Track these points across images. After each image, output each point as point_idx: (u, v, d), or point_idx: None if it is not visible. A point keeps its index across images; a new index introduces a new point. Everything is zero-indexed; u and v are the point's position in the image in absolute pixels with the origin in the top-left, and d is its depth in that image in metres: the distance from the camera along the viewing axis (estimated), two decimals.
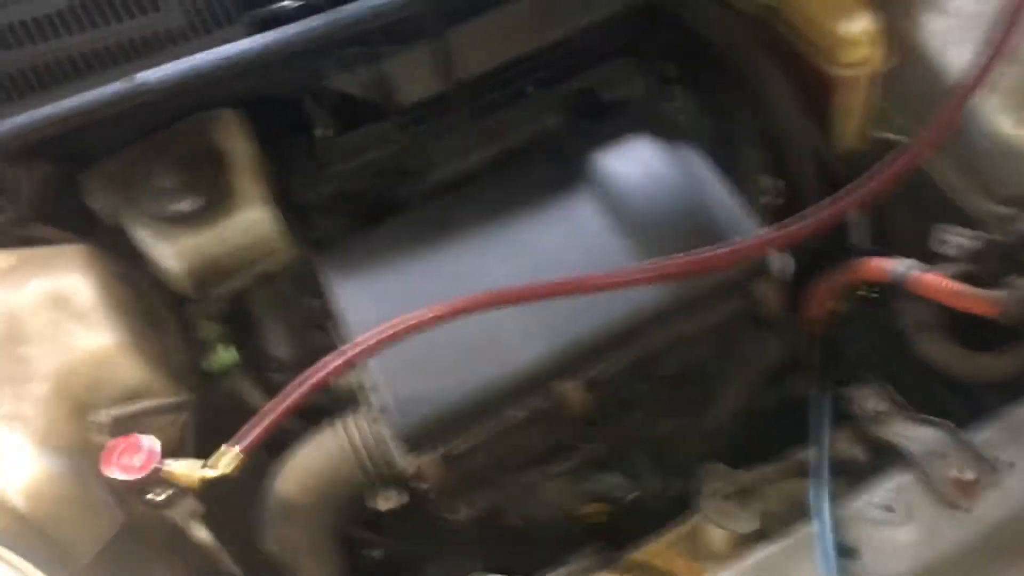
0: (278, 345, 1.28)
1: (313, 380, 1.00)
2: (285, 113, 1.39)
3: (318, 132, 1.41)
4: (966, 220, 1.24)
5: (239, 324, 1.29)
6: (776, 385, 1.30)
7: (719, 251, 1.01)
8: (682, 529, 1.18)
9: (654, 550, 1.17)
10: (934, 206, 1.28)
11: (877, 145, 1.34)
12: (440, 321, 0.97)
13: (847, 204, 1.05)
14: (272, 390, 1.26)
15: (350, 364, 0.99)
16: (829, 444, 1.15)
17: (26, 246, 1.21)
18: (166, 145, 1.22)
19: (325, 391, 1.18)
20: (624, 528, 1.25)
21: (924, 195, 1.30)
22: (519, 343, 1.06)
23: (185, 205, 1.16)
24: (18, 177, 1.24)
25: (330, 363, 1.00)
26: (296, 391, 1.01)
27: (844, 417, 1.17)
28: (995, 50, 1.06)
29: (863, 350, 1.31)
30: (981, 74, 1.06)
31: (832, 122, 1.33)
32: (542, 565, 1.16)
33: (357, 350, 0.99)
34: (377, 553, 1.32)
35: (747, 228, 1.10)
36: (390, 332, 0.97)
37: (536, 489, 1.27)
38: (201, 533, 1.11)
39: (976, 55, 1.07)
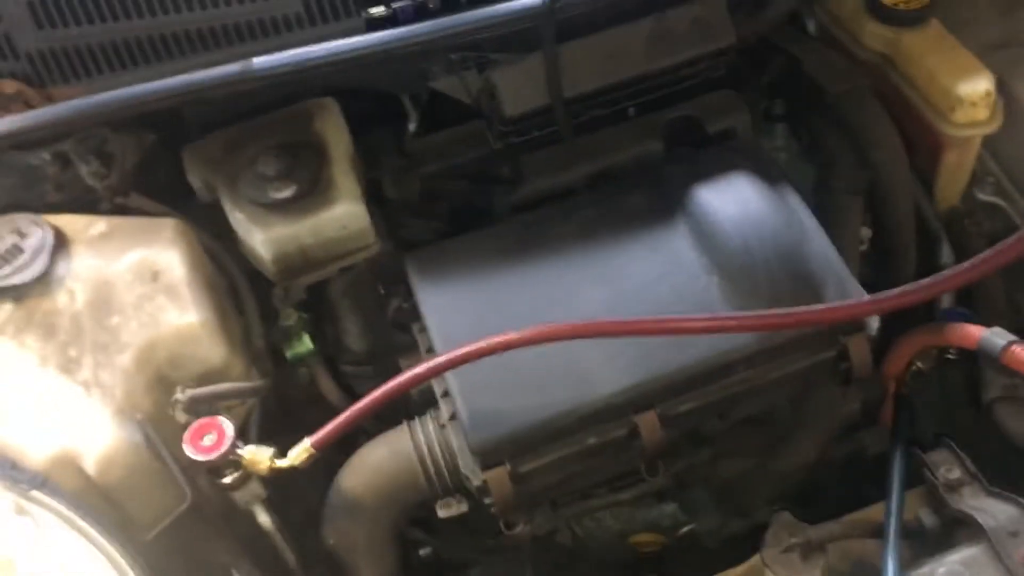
0: (356, 339, 1.29)
1: (393, 386, 1.01)
2: (376, 104, 1.41)
3: (411, 128, 1.42)
4: None
5: (318, 313, 1.30)
6: (848, 439, 1.29)
7: (816, 311, 1.00)
8: (739, 571, 1.17)
9: None
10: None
11: (979, 207, 1.32)
12: (528, 344, 0.97)
13: (960, 279, 1.02)
14: (344, 382, 1.29)
15: (434, 375, 1.00)
16: (903, 508, 1.14)
17: (121, 214, 1.23)
18: (269, 129, 1.24)
19: None
20: (674, 561, 1.25)
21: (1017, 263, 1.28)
22: (601, 371, 1.05)
23: (284, 193, 1.17)
24: (123, 145, 1.26)
25: (413, 373, 1.01)
26: (375, 395, 1.02)
27: (916, 480, 1.15)
28: None
29: (940, 412, 1.29)
30: None
31: (935, 179, 1.31)
32: None
33: (442, 363, 0.99)
34: (425, 552, 1.33)
35: (844, 282, 1.08)
36: (477, 349, 0.98)
37: (594, 512, 1.28)
38: (263, 517, 1.13)
39: None
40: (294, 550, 1.16)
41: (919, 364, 1.26)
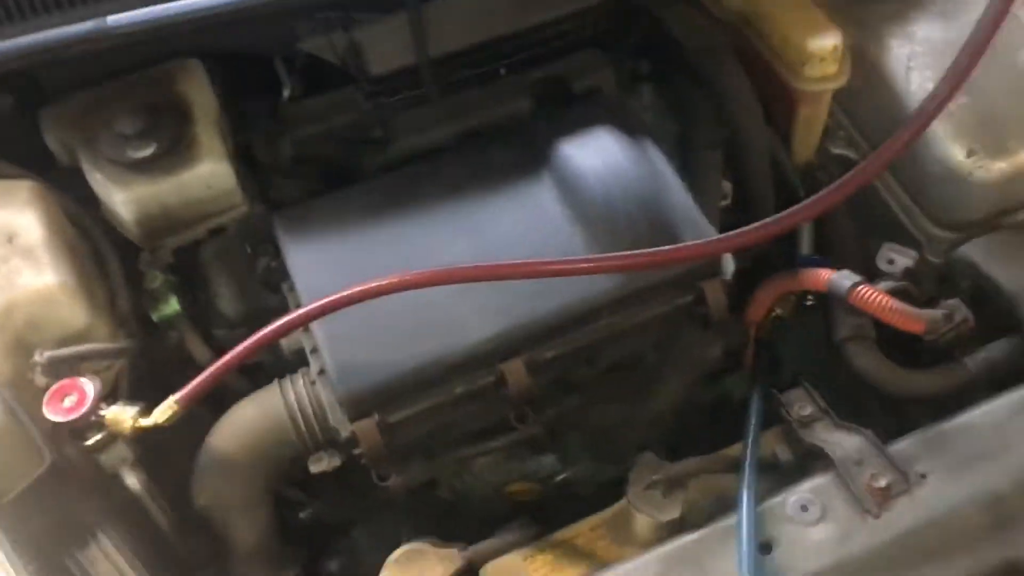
0: (228, 303, 1.27)
1: (255, 339, 1.01)
2: (251, 72, 1.40)
3: (285, 94, 1.42)
4: (910, 240, 1.29)
5: (189, 278, 1.29)
6: (714, 384, 1.34)
7: (671, 250, 1.03)
8: (608, 513, 1.21)
9: (579, 531, 1.20)
10: (881, 224, 1.32)
11: (831, 160, 1.38)
12: (390, 292, 0.99)
13: (799, 217, 1.08)
14: (218, 347, 1.28)
15: (295, 327, 1.00)
16: (758, 444, 1.19)
17: None
18: (130, 90, 1.22)
19: (272, 352, 1.20)
20: (553, 509, 1.28)
21: (873, 212, 1.34)
22: (467, 320, 1.07)
23: (143, 152, 1.15)
24: None
25: (275, 325, 1.01)
26: (239, 349, 1.02)
27: (776, 420, 1.21)
28: (957, 80, 1.10)
29: (800, 357, 1.35)
30: (942, 102, 1.09)
31: (792, 134, 1.36)
32: (469, 538, 1.18)
33: (303, 314, 1.00)
34: (305, 514, 1.33)
35: (701, 228, 1.12)
36: (338, 299, 0.98)
37: (469, 464, 1.30)
38: (131, 480, 1.11)
39: (938, 83, 1.10)
40: (168, 514, 1.15)
41: (778, 311, 1.32)
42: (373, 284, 0.98)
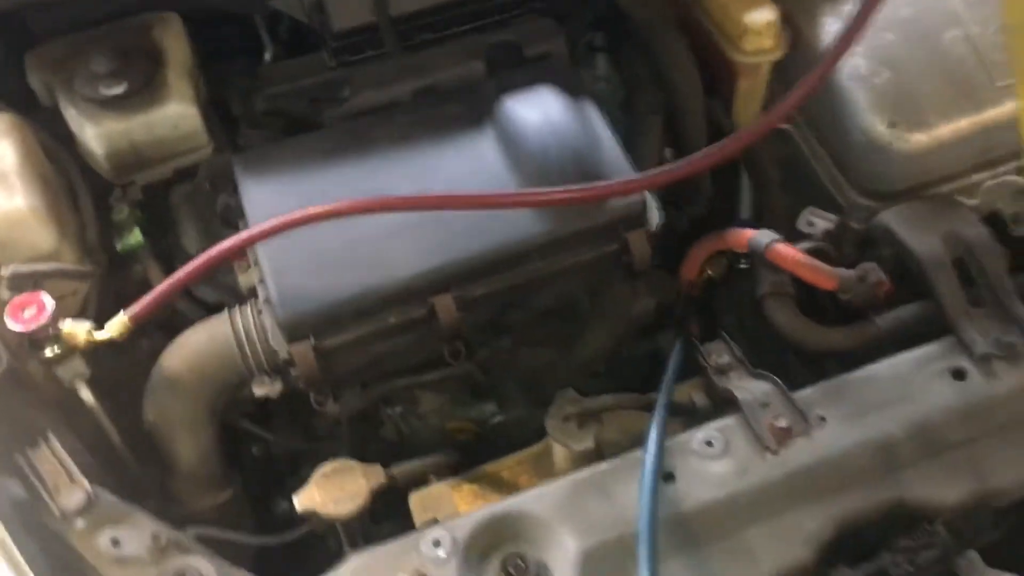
0: (191, 240, 1.36)
1: (202, 260, 1.09)
2: (238, 37, 1.50)
3: (267, 56, 1.52)
4: (836, 209, 1.35)
5: (160, 220, 1.37)
6: (648, 339, 1.41)
7: (587, 188, 1.11)
8: (533, 450, 1.28)
9: (505, 464, 1.28)
10: (812, 194, 1.39)
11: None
12: (327, 217, 1.07)
13: (708, 160, 1.15)
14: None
15: (239, 248, 1.09)
16: (679, 392, 1.26)
17: None
18: (108, 36, 1.31)
19: (231, 292, 1.28)
20: (488, 451, 1.36)
21: (804, 183, 1.41)
22: (402, 256, 1.15)
23: (115, 90, 1.24)
24: None
25: (220, 247, 1.09)
26: (187, 268, 1.10)
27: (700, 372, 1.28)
28: (856, 27, 1.15)
29: (733, 315, 1.42)
30: (841, 49, 1.15)
31: (733, 105, 1.44)
32: None
33: (246, 236, 1.08)
34: (256, 449, 1.41)
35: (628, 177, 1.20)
36: (278, 224, 1.07)
37: (415, 406, 1.38)
38: (85, 394, 1.19)
39: (840, 30, 1.16)
40: (121, 433, 1.23)
41: (710, 272, 1.39)
42: (312, 210, 1.07)
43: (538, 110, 1.22)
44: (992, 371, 1.17)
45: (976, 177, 1.32)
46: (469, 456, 1.33)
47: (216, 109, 1.42)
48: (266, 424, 1.39)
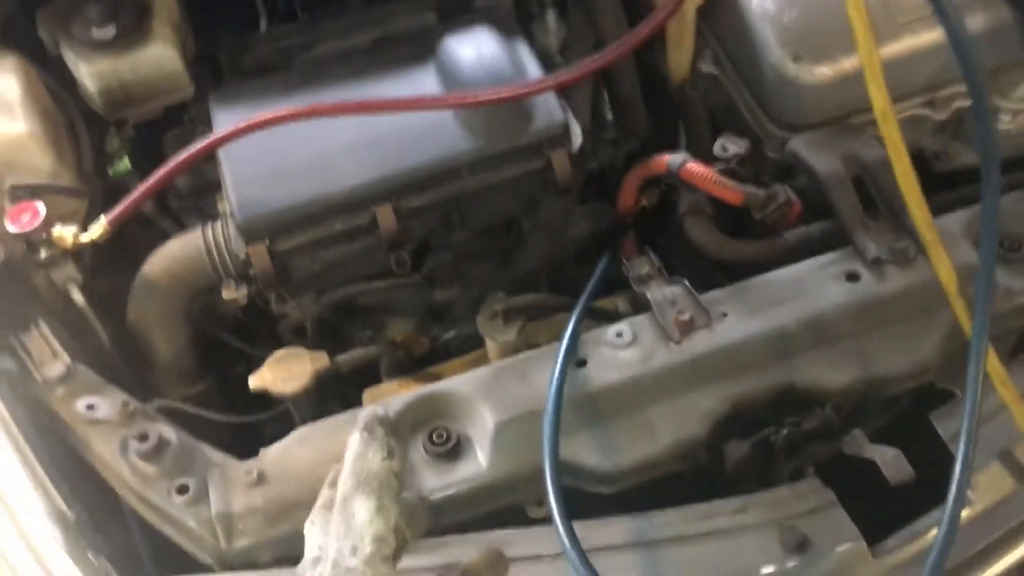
0: (179, 176, 1.53)
1: (171, 166, 1.26)
2: (241, 10, 1.68)
3: (263, 25, 1.70)
4: (756, 140, 1.48)
5: (152, 157, 1.54)
6: (588, 264, 1.54)
7: (495, 90, 1.27)
8: (475, 354, 1.42)
9: (449, 366, 1.42)
10: (736, 128, 1.51)
11: (702, 78, 1.58)
12: (272, 124, 1.23)
13: (597, 63, 1.32)
14: (171, 213, 1.53)
15: (199, 156, 1.25)
16: (607, 302, 1.39)
17: None
18: None
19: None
20: (436, 360, 1.49)
21: (733, 122, 1.54)
22: (349, 169, 1.30)
23: (105, 33, 1.42)
24: None
25: (185, 153, 1.25)
26: (159, 173, 1.27)
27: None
28: None
29: (668, 238, 1.54)
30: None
31: (667, 55, 1.57)
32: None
33: (207, 141, 1.24)
34: (241, 368, 1.57)
35: (549, 100, 1.34)
36: (233, 129, 1.23)
37: (374, 322, 1.52)
38: (76, 296, 1.36)
39: None
40: (110, 331, 1.40)
41: (644, 201, 1.52)
42: (258, 117, 1.23)
43: (472, 46, 1.38)
44: (883, 274, 1.28)
45: None
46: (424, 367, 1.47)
47: (208, 65, 1.60)
48: (248, 342, 1.55)
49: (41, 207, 1.29)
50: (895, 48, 1.41)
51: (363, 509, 0.89)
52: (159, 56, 1.44)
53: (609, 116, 1.62)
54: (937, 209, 1.31)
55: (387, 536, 0.89)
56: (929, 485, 1.09)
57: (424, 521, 1.00)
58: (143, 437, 1.15)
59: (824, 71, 1.40)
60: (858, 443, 1.20)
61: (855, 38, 0.99)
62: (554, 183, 1.35)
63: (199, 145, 1.25)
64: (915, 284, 1.26)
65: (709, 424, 1.20)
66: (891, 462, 1.14)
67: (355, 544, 0.87)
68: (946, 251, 1.12)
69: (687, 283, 1.30)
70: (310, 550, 0.91)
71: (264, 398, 1.55)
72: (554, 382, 1.17)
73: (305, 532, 0.94)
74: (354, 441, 0.95)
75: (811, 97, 1.42)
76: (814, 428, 1.18)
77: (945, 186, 1.44)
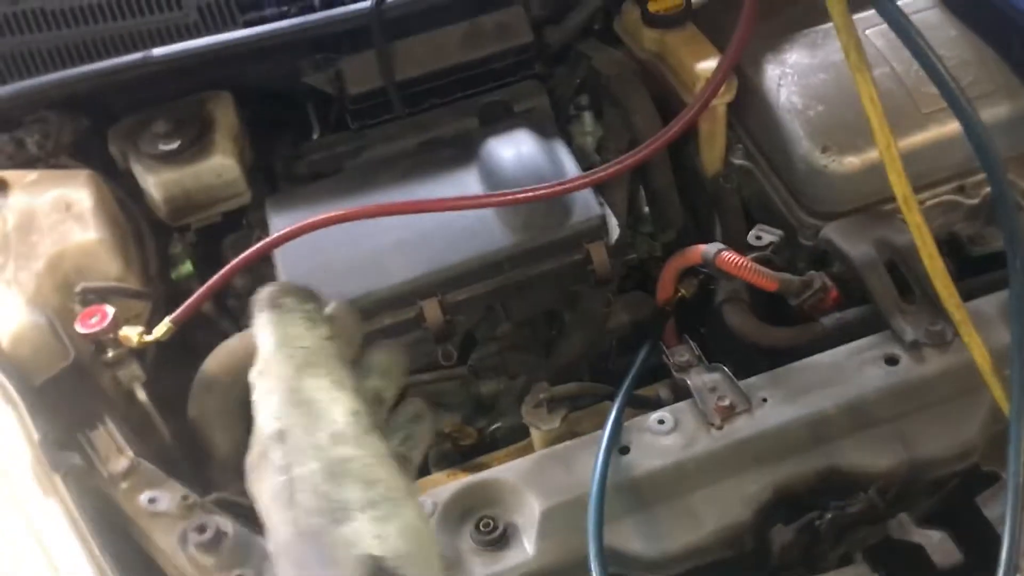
0: (238, 277, 1.61)
1: (228, 268, 1.34)
2: (296, 122, 1.79)
3: (315, 135, 1.81)
4: (790, 229, 1.52)
5: (212, 260, 1.63)
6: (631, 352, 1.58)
7: (536, 188, 1.33)
8: (520, 444, 1.45)
9: (494, 456, 1.45)
10: (773, 221, 1.56)
11: (735, 170, 1.63)
12: (322, 226, 1.30)
13: (630, 161, 1.37)
14: (231, 313, 1.61)
15: (257, 255, 1.32)
16: (649, 390, 1.42)
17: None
18: (171, 110, 1.60)
19: None
20: (484, 451, 1.53)
21: (767, 212, 1.58)
22: (396, 265, 1.37)
23: (171, 146, 1.52)
24: (60, 124, 1.63)
25: (243, 255, 1.33)
26: (216, 277, 1.34)
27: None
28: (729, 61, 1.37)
29: (709, 326, 1.57)
30: (721, 78, 1.37)
31: (700, 150, 1.63)
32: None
33: (263, 243, 1.32)
34: None
35: (587, 198, 1.40)
36: (287, 232, 1.30)
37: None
38: (140, 394, 1.43)
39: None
40: (172, 428, 1.46)
41: (684, 291, 1.56)
42: (309, 221, 1.31)
43: (512, 148, 1.45)
44: (922, 356, 1.29)
45: (917, 198, 1.46)
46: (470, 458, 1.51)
47: (265, 172, 1.70)
48: None
49: (109, 309, 1.37)
50: (922, 137, 1.45)
51: (315, 388, 0.75)
52: (220, 166, 1.53)
53: (646, 209, 1.67)
54: (973, 292, 1.35)
55: (359, 407, 0.74)
56: (977, 568, 1.08)
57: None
58: (201, 529, 1.19)
59: (852, 161, 1.44)
60: (904, 527, 1.20)
61: (872, 130, 1.03)
62: (593, 275, 1.40)
63: (255, 248, 1.32)
64: (954, 366, 1.27)
65: (753, 509, 1.21)
66: (938, 546, 1.14)
67: (329, 433, 0.72)
68: (979, 333, 1.14)
69: (726, 369, 1.32)
70: (266, 422, 0.76)
71: None
72: (598, 469, 1.20)
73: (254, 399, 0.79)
74: (261, 324, 0.80)
75: (841, 186, 1.46)
76: (859, 512, 1.18)
77: (982, 269, 1.46)
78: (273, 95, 1.76)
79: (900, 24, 0.96)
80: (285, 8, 1.59)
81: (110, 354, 1.38)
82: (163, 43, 1.61)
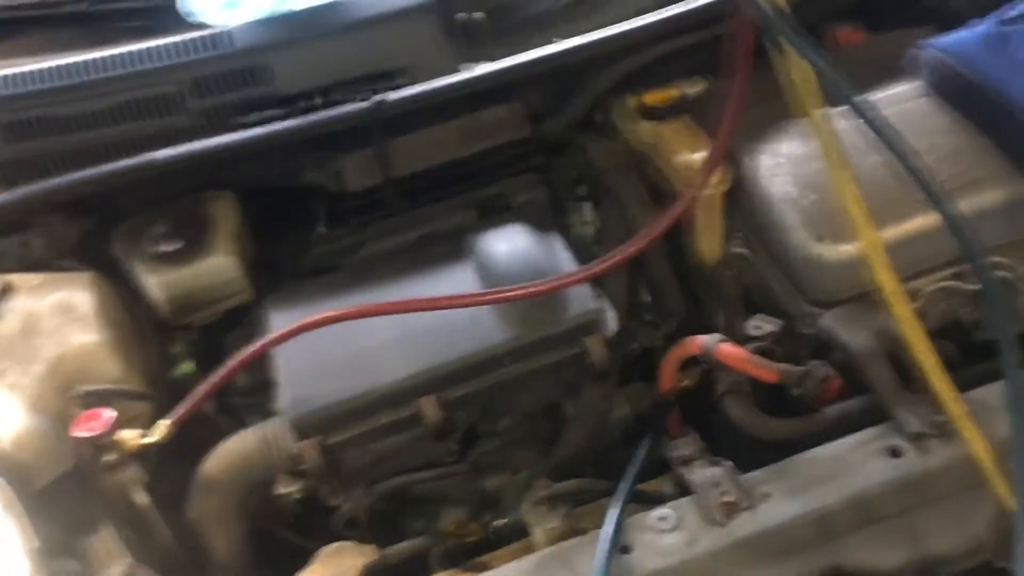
0: (240, 375, 1.61)
1: (229, 368, 1.34)
2: (297, 216, 1.81)
3: (320, 229, 1.83)
4: (790, 318, 1.51)
5: (215, 357, 1.63)
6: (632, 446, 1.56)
7: (533, 285, 1.34)
8: (523, 542, 1.43)
9: (496, 555, 1.42)
10: (770, 306, 1.55)
11: (733, 258, 1.64)
12: (318, 326, 1.31)
13: (626, 253, 1.39)
14: (233, 412, 1.61)
15: (255, 356, 1.33)
16: (652, 485, 1.40)
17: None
18: (172, 208, 1.62)
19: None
20: (489, 548, 1.50)
21: (766, 300, 1.58)
22: (393, 364, 1.37)
23: (172, 247, 1.54)
24: (64, 227, 1.66)
25: (240, 356, 1.33)
26: (216, 376, 1.35)
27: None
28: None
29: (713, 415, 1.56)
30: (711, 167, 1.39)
31: (697, 239, 1.64)
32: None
33: (261, 343, 1.33)
34: (296, 562, 1.59)
35: (582, 291, 1.41)
36: (285, 331, 1.31)
37: (428, 512, 1.55)
38: (140, 497, 1.42)
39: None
40: (171, 530, 1.44)
41: (687, 381, 1.55)
42: (308, 319, 1.32)
43: (508, 243, 1.47)
44: (926, 448, 1.27)
45: (913, 284, 1.45)
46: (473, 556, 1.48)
47: (267, 268, 1.71)
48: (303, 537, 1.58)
49: (109, 412, 1.37)
50: (915, 224, 1.45)
51: None
52: (220, 265, 1.55)
53: (647, 298, 1.67)
54: (976, 379, 1.33)
55: None
56: None
57: None
58: None
59: (848, 249, 1.44)
60: None
61: (856, 227, 1.03)
62: (592, 368, 1.40)
63: (254, 347, 1.33)
64: (959, 457, 1.25)
65: None
66: None
67: None
68: (981, 425, 1.12)
69: (729, 464, 1.31)
70: None
71: None
72: (598, 571, 1.18)
73: None
74: None
75: (838, 274, 1.46)
76: None
77: (987, 355, 1.44)
78: (279, 190, 1.78)
79: (875, 123, 0.98)
80: (286, 109, 1.62)
81: (110, 457, 1.37)
82: (166, 145, 1.64)
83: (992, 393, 1.30)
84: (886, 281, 1.04)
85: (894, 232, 1.43)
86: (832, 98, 1.39)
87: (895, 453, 1.28)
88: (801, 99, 1.23)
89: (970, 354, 1.44)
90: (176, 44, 1.64)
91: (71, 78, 1.62)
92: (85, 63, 1.63)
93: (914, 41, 1.67)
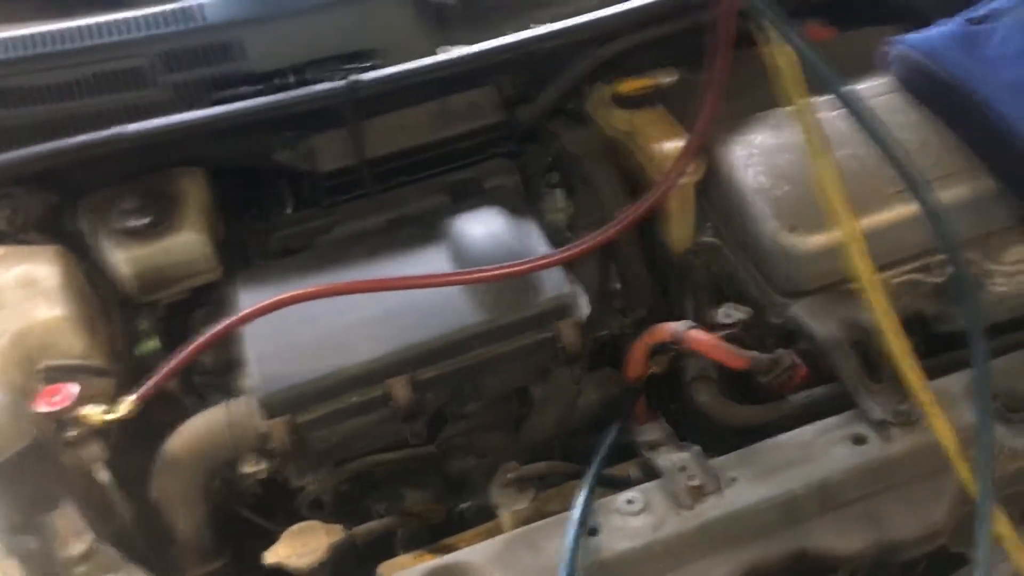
0: (205, 353, 1.59)
1: (193, 347, 1.32)
2: (270, 197, 1.79)
3: (288, 209, 1.81)
4: (759, 307, 1.53)
5: (182, 335, 1.61)
6: (600, 432, 1.57)
7: (505, 267, 1.34)
8: (490, 524, 1.43)
9: (463, 537, 1.42)
10: (739, 295, 1.57)
11: (704, 247, 1.65)
12: (288, 304, 1.29)
13: (600, 238, 1.40)
14: (195, 389, 1.58)
15: (223, 334, 1.31)
16: (620, 469, 1.41)
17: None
18: (141, 183, 1.60)
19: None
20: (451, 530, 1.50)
21: (737, 290, 1.59)
22: (364, 344, 1.36)
23: (140, 222, 1.51)
24: (28, 201, 1.62)
25: (208, 333, 1.32)
26: (183, 354, 1.33)
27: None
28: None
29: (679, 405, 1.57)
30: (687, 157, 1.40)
31: (669, 228, 1.65)
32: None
33: (230, 321, 1.31)
34: (258, 543, 1.58)
35: (554, 274, 1.41)
36: (254, 309, 1.30)
37: (391, 494, 1.54)
38: (102, 474, 1.40)
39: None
40: (130, 509, 1.42)
41: (655, 368, 1.56)
42: (277, 298, 1.30)
43: (481, 225, 1.46)
44: (889, 436, 1.30)
45: (882, 276, 1.47)
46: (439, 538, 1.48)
47: (236, 247, 1.69)
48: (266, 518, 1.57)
49: (72, 387, 1.35)
50: (887, 216, 1.47)
51: None
52: (189, 241, 1.53)
53: (617, 286, 1.68)
54: (940, 370, 1.36)
55: None
56: None
57: None
58: None
59: (819, 240, 1.46)
60: None
61: (835, 216, 1.04)
62: (563, 352, 1.40)
63: (222, 325, 1.32)
64: (921, 445, 1.27)
65: None
66: None
67: None
68: (945, 412, 1.14)
69: (696, 448, 1.32)
70: None
71: (281, 574, 1.56)
72: (567, 552, 1.18)
73: None
74: None
75: (808, 265, 1.47)
76: None
77: (948, 347, 1.47)
78: (246, 170, 1.76)
79: (859, 112, 0.99)
80: (259, 87, 1.60)
81: (71, 433, 1.35)
82: (137, 119, 1.61)
83: (954, 383, 1.33)
84: (863, 268, 1.05)
85: (863, 225, 1.44)
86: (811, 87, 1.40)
87: (859, 440, 1.30)
88: (786, 86, 1.24)
89: (931, 346, 1.47)
90: (146, 16, 1.62)
91: (37, 48, 1.59)
92: (51, 33, 1.60)
93: (882, 39, 1.70)
